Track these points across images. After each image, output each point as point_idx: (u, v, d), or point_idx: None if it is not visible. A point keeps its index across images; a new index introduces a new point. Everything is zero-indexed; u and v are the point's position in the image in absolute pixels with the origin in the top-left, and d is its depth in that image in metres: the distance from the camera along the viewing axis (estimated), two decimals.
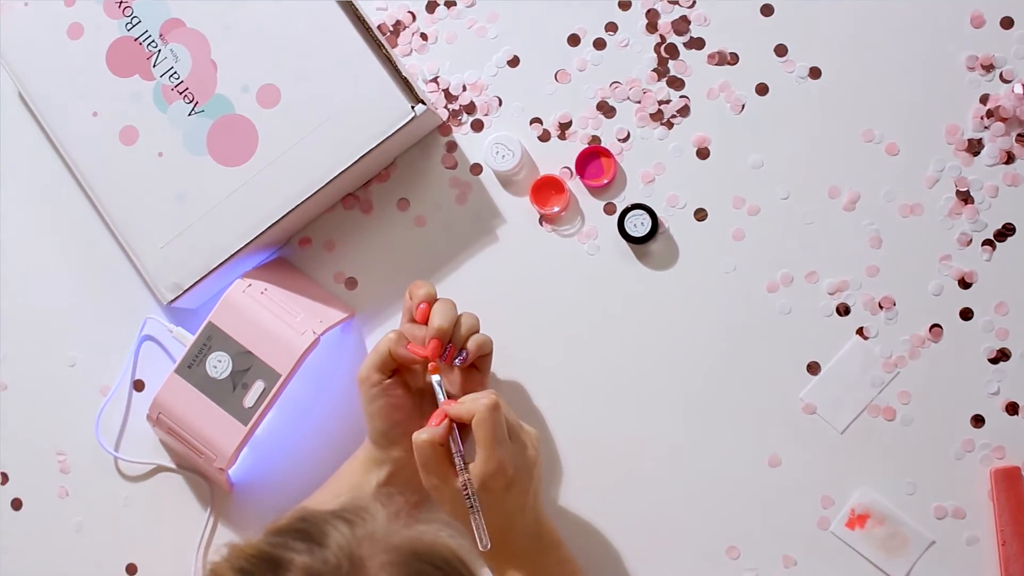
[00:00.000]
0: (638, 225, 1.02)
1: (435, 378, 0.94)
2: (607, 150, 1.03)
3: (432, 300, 0.96)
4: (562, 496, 1.03)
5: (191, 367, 0.98)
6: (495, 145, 1.03)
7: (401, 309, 1.01)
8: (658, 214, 1.02)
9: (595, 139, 1.04)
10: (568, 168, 1.04)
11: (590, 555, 1.02)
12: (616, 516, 1.02)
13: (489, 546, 0.90)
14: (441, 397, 0.94)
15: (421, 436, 0.91)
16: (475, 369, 0.98)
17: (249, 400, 0.98)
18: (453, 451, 0.92)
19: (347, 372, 1.05)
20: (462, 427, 0.92)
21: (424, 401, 0.96)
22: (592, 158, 1.04)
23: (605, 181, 1.03)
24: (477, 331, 0.97)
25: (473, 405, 0.91)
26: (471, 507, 0.90)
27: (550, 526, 0.97)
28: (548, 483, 1.02)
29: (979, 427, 1.01)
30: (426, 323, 0.95)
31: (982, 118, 1.02)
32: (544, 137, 1.04)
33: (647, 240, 1.02)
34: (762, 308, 1.02)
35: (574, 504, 1.03)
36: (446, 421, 0.92)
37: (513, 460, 0.91)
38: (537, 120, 1.04)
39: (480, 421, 0.90)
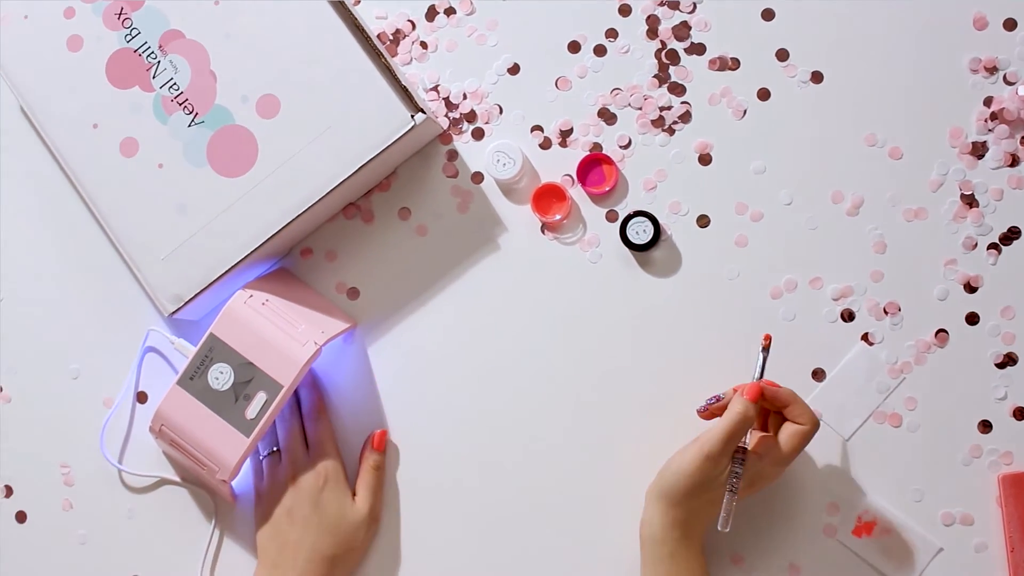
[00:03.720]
0: (640, 232, 1.01)
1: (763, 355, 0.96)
2: (608, 157, 1.03)
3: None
4: (576, 500, 1.03)
5: (193, 379, 0.98)
6: (496, 153, 1.02)
7: (397, 320, 1.02)
8: (660, 221, 1.02)
9: (596, 146, 1.03)
10: (570, 176, 1.04)
11: (595, 560, 1.01)
12: (620, 522, 1.01)
13: (728, 530, 0.92)
14: (759, 375, 0.96)
15: (750, 411, 0.92)
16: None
17: (251, 412, 0.97)
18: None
19: (348, 382, 1.04)
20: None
21: None
22: (593, 165, 1.03)
23: (607, 188, 1.03)
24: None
25: (810, 415, 0.93)
26: (732, 489, 0.92)
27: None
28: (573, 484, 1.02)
29: (986, 433, 1.00)
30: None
31: (986, 121, 1.01)
32: (545, 145, 1.04)
33: (649, 247, 1.01)
34: (766, 314, 1.02)
35: (582, 507, 1.02)
36: (756, 403, 0.93)
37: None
38: (538, 128, 1.04)
39: (808, 433, 0.93)
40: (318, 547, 0.98)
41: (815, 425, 0.94)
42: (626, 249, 1.02)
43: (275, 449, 1.02)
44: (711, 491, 0.93)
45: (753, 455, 0.93)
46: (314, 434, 1.02)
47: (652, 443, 1.01)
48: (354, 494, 1.02)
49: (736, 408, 0.92)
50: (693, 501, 0.93)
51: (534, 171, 1.04)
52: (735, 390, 0.95)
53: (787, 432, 0.94)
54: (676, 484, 0.92)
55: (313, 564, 0.98)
